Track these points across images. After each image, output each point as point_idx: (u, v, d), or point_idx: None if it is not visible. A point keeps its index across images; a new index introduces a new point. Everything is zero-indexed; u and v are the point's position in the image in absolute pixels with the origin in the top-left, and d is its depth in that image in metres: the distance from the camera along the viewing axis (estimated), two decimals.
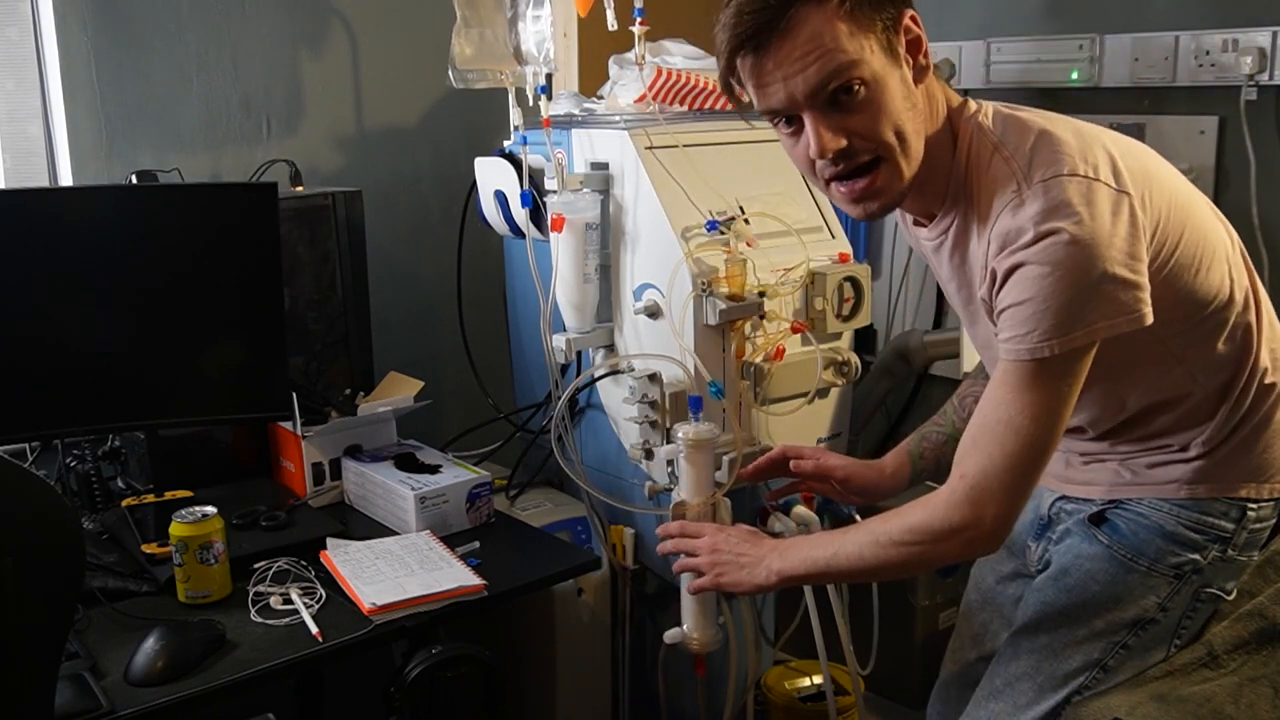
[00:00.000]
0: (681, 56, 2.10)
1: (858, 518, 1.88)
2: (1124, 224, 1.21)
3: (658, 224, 1.85)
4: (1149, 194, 1.25)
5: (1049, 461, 1.27)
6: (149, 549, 1.71)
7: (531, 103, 2.00)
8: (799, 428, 1.96)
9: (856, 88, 1.23)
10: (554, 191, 1.92)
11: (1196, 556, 1.38)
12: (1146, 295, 1.22)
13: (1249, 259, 1.39)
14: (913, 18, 1.27)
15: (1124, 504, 1.42)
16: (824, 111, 1.24)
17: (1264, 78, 2.33)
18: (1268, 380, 1.37)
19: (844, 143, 1.25)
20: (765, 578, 1.43)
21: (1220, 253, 1.33)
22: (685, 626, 1.68)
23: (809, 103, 1.24)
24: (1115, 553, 1.41)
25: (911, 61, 1.27)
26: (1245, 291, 1.35)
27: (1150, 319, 1.22)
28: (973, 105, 1.34)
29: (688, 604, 1.67)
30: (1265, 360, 1.37)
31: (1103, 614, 1.40)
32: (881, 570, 1.36)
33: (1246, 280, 1.36)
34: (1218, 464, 1.37)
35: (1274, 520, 1.40)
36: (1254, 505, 1.37)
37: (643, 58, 1.99)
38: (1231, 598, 1.43)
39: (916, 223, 1.42)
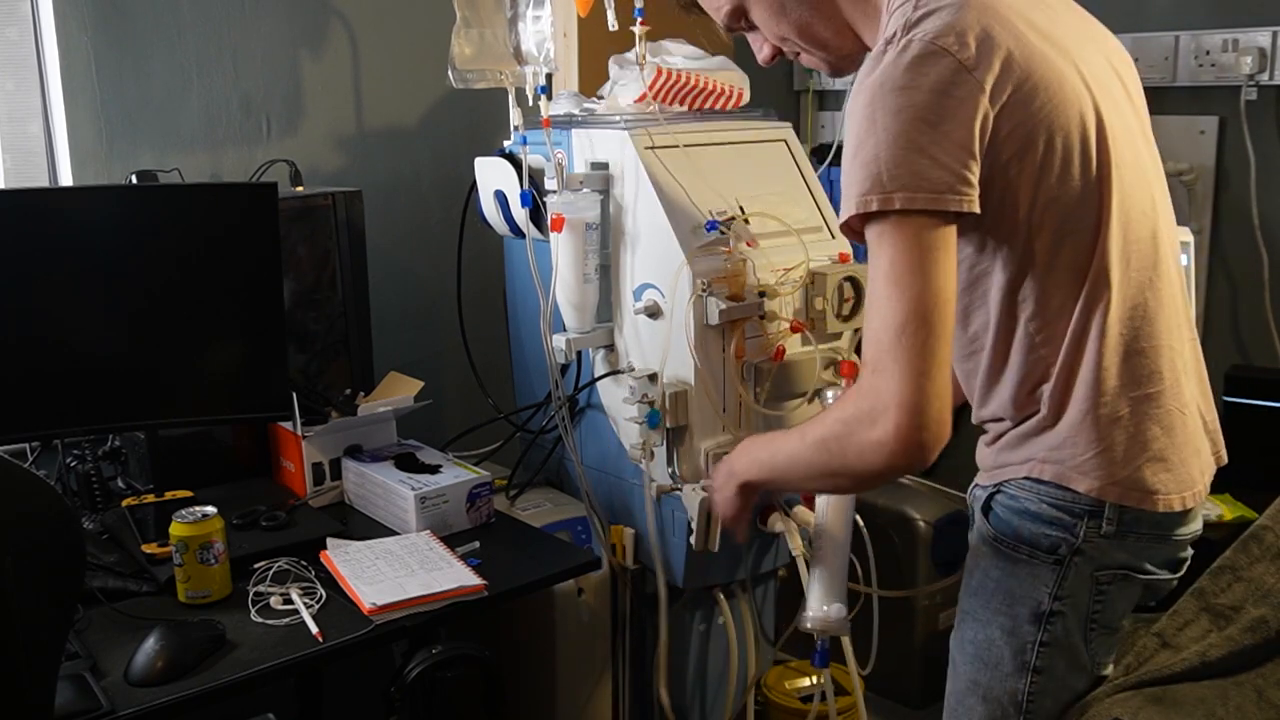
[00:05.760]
0: (681, 56, 2.10)
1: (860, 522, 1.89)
2: (955, 104, 1.17)
3: (658, 224, 1.85)
4: (1019, 95, 1.20)
5: (945, 337, 1.17)
6: (149, 549, 1.71)
7: (531, 103, 2.00)
8: None
9: (741, 20, 1.44)
10: (554, 191, 1.92)
11: (1067, 535, 1.30)
12: (960, 185, 1.17)
13: (1128, 234, 1.28)
14: None
15: (1003, 488, 1.35)
16: (746, 31, 1.47)
17: (1264, 78, 2.34)
18: (1135, 374, 1.28)
19: (767, 52, 1.47)
20: (730, 488, 1.43)
21: (1098, 229, 1.25)
22: (808, 608, 1.55)
23: (731, 32, 1.49)
24: (999, 545, 1.35)
25: None
26: (1106, 268, 1.26)
27: (963, 207, 1.17)
28: None
29: (810, 581, 1.56)
30: (1121, 345, 1.27)
31: (1005, 610, 1.34)
32: (815, 472, 1.30)
33: (1118, 260, 1.27)
34: (1062, 446, 1.28)
35: (1164, 515, 1.30)
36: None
37: (643, 58, 1.99)
38: (1165, 576, 1.35)
39: None
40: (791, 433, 1.34)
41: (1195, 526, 1.37)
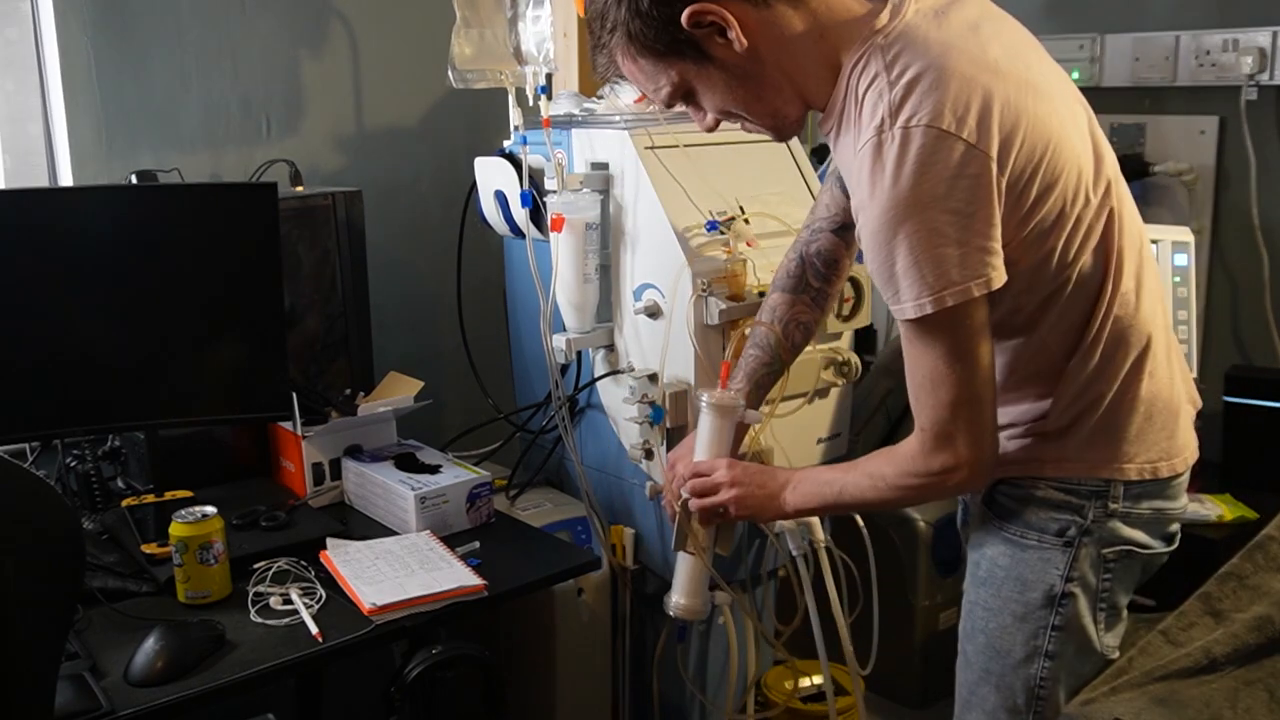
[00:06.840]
0: None
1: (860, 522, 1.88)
2: (968, 186, 1.19)
3: (658, 224, 1.85)
4: (1019, 149, 1.22)
5: (993, 400, 1.30)
6: (149, 549, 1.71)
7: (531, 103, 2.00)
8: (799, 428, 1.97)
9: (683, 96, 1.37)
10: (554, 191, 1.92)
11: (1076, 518, 1.36)
12: (993, 259, 1.22)
13: (1124, 231, 1.33)
14: (692, 13, 1.25)
15: (1005, 480, 1.41)
16: (686, 104, 1.40)
17: (1264, 78, 2.34)
18: (1127, 356, 1.34)
19: (710, 122, 1.40)
20: (780, 510, 1.49)
21: (1095, 226, 1.30)
22: (674, 594, 1.64)
23: (669, 107, 1.42)
24: (1006, 533, 1.40)
25: (725, 40, 1.28)
26: (1109, 259, 1.32)
27: (999, 281, 1.23)
28: (883, 17, 1.27)
29: (680, 569, 1.63)
30: (1116, 333, 1.33)
31: (1017, 598, 1.39)
32: (883, 506, 1.42)
33: (1115, 251, 1.32)
34: (1076, 442, 1.36)
35: (1165, 482, 1.38)
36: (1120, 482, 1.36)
37: None
38: (1161, 549, 1.41)
39: None
40: (856, 475, 1.41)
41: (1184, 501, 1.43)
